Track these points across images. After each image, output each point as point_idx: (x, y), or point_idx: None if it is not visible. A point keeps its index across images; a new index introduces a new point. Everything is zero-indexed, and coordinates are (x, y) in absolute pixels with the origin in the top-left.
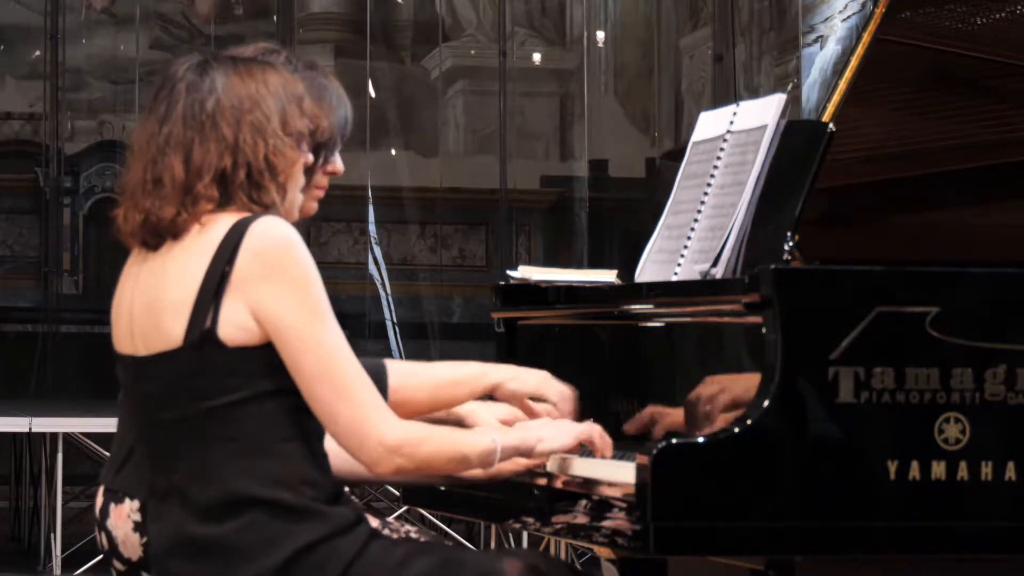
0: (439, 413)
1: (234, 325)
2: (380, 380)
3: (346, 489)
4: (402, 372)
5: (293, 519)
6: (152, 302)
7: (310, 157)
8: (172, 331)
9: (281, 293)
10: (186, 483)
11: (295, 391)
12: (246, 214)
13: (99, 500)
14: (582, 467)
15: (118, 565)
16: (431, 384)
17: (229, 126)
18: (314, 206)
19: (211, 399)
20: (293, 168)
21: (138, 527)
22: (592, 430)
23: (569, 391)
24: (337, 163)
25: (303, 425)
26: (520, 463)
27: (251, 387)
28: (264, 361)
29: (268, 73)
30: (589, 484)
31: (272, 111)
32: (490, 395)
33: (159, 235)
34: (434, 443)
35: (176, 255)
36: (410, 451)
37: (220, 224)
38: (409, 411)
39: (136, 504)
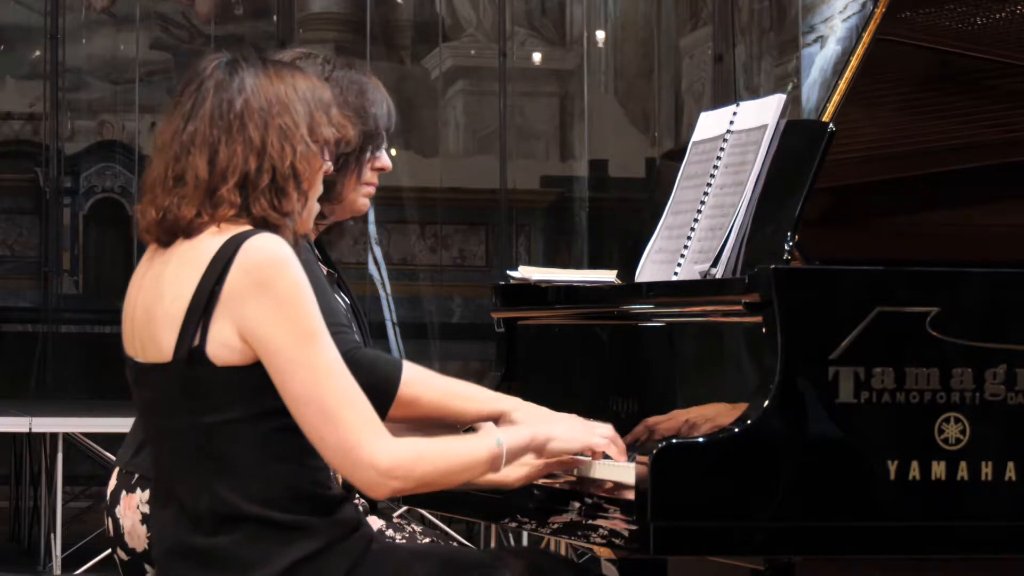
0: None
1: (223, 345)
2: (394, 374)
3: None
4: (419, 371)
5: (288, 534)
6: (149, 312)
7: (330, 167)
8: (164, 344)
9: (268, 312)
10: (183, 491)
11: (287, 410)
12: (249, 227)
13: (112, 483)
14: (584, 467)
15: (121, 554)
16: (443, 390)
17: (257, 128)
18: (366, 203)
19: (202, 416)
20: (316, 177)
21: (146, 519)
22: (609, 448)
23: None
24: (384, 159)
25: (298, 441)
26: (535, 464)
27: (242, 408)
28: (254, 382)
29: (297, 77)
30: (589, 484)
31: (300, 117)
32: (494, 420)
33: (173, 233)
34: (430, 461)
35: (173, 265)
36: (405, 473)
37: (219, 237)
38: (415, 411)
39: (146, 495)
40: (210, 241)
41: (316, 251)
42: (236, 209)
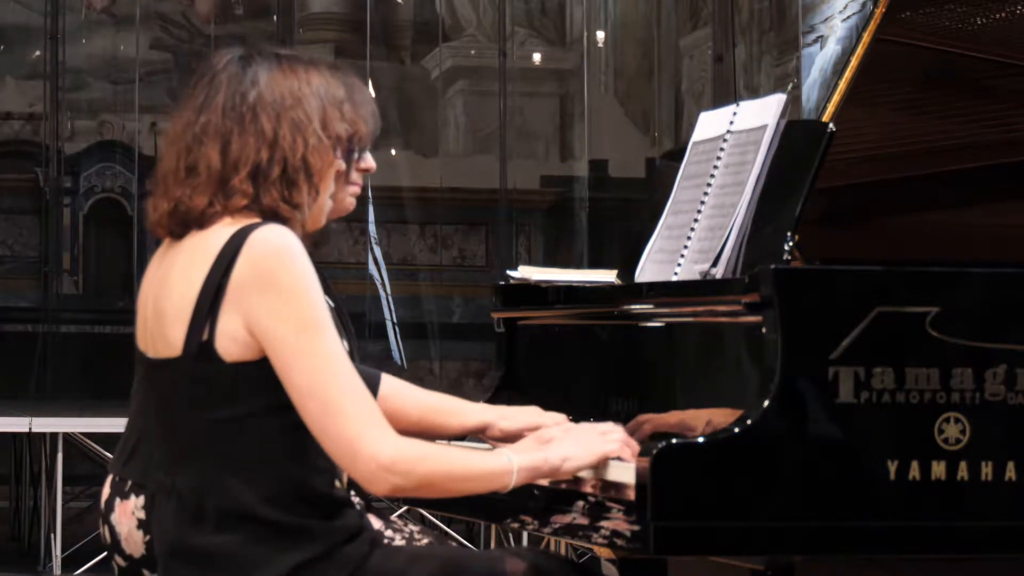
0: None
1: (231, 339)
2: (371, 387)
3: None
4: (397, 386)
5: (290, 537)
6: (159, 307)
7: (342, 164)
8: (173, 339)
9: (272, 304)
10: (185, 487)
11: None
12: (258, 219)
13: (105, 491)
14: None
15: (119, 561)
16: (423, 406)
17: (269, 120)
18: (352, 202)
19: (211, 412)
20: (328, 171)
21: (142, 524)
22: (623, 451)
23: (563, 419)
24: (369, 160)
25: (305, 439)
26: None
27: (250, 403)
28: (262, 377)
29: (311, 73)
30: (589, 484)
31: (313, 111)
32: (479, 433)
33: (185, 224)
34: (434, 461)
35: (182, 258)
36: (406, 469)
37: (228, 229)
38: (396, 425)
39: (141, 501)
40: (219, 233)
41: None
42: (248, 199)
